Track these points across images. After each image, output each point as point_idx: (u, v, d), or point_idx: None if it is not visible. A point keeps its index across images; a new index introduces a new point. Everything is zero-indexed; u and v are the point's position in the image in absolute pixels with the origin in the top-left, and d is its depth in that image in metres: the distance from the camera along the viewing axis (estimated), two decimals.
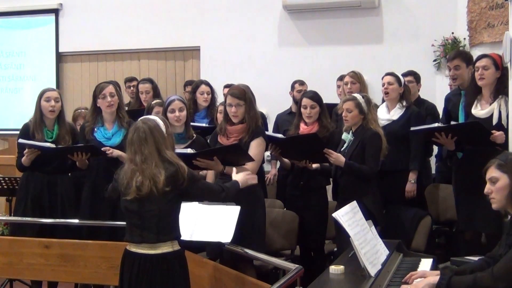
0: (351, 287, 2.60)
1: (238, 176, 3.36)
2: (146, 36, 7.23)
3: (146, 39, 7.25)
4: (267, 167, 5.10)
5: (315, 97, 4.38)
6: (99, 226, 4.14)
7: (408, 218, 4.25)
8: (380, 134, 4.02)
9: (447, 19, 6.17)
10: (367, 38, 6.49)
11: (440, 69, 6.21)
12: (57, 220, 4.24)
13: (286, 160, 4.46)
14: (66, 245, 4.02)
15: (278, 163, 4.86)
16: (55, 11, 7.64)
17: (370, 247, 2.78)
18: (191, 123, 4.33)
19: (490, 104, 3.89)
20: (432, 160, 5.32)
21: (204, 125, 4.86)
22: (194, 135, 4.11)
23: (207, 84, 5.22)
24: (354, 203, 2.95)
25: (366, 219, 2.96)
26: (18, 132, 4.43)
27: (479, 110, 3.95)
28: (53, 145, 4.19)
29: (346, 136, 4.12)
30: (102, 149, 4.10)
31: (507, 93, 3.74)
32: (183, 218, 3.09)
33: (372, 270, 2.66)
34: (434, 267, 2.97)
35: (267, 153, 4.35)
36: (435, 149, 5.13)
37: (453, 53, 4.58)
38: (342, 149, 4.10)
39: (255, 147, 3.76)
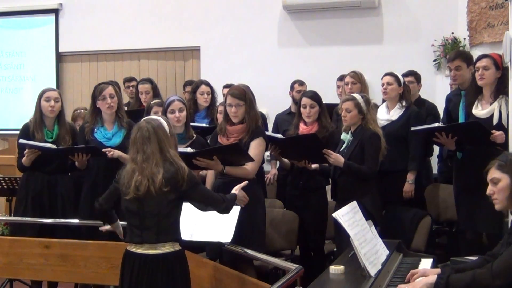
0: (351, 287, 2.60)
1: (237, 191, 3.27)
2: (146, 36, 7.23)
3: (146, 39, 7.25)
4: (267, 167, 5.10)
5: (315, 96, 4.38)
6: (99, 226, 4.13)
7: (408, 218, 4.25)
8: (379, 134, 4.02)
9: (447, 19, 6.16)
10: (367, 38, 6.49)
11: (440, 69, 6.21)
12: (57, 220, 4.24)
13: (285, 160, 4.46)
14: (66, 245, 4.02)
15: (278, 163, 4.87)
16: (55, 11, 7.63)
17: (370, 247, 2.78)
18: (191, 123, 4.33)
19: (491, 104, 3.89)
20: (434, 161, 5.32)
21: (204, 125, 4.85)
22: (194, 135, 4.10)
23: (207, 84, 5.22)
24: (354, 203, 2.95)
25: (366, 219, 2.96)
26: (18, 132, 4.43)
27: (479, 110, 3.95)
28: (54, 146, 4.19)
29: (345, 136, 4.12)
30: (103, 150, 4.09)
31: (507, 93, 3.74)
32: (183, 218, 3.09)
33: (372, 270, 2.66)
34: (434, 267, 2.97)
35: (267, 153, 4.35)
36: (437, 149, 5.13)
37: (453, 54, 4.57)
38: (341, 149, 4.10)
39: (255, 147, 3.76)
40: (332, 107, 4.77)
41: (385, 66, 5.18)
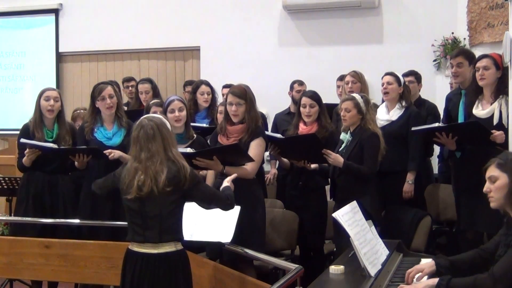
0: (351, 287, 2.60)
1: (229, 183, 3.25)
2: (146, 36, 7.23)
3: (146, 39, 7.25)
4: (267, 167, 5.10)
5: (315, 96, 4.38)
6: (99, 226, 4.14)
7: (408, 218, 4.25)
8: (378, 134, 4.02)
9: (447, 19, 6.17)
10: (367, 38, 6.49)
11: (440, 69, 6.21)
12: (57, 220, 4.23)
13: (285, 160, 4.46)
14: (67, 245, 4.02)
15: (278, 163, 4.87)
16: (55, 11, 7.63)
17: (370, 247, 2.78)
18: (192, 124, 4.33)
19: (491, 104, 3.90)
20: (435, 161, 5.32)
21: (204, 125, 4.85)
22: (194, 135, 4.10)
23: (207, 84, 5.22)
24: (354, 203, 2.95)
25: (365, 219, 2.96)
26: (18, 132, 4.43)
27: (480, 110, 3.95)
28: (55, 146, 4.19)
29: (344, 136, 4.12)
30: (104, 152, 4.08)
31: (508, 92, 3.74)
32: (183, 218, 3.08)
33: (372, 270, 2.66)
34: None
35: (267, 153, 4.35)
36: (437, 149, 5.13)
37: (456, 50, 4.61)
38: (340, 149, 4.10)
39: (255, 147, 3.75)
40: (332, 107, 4.77)
41: (385, 66, 5.18)
